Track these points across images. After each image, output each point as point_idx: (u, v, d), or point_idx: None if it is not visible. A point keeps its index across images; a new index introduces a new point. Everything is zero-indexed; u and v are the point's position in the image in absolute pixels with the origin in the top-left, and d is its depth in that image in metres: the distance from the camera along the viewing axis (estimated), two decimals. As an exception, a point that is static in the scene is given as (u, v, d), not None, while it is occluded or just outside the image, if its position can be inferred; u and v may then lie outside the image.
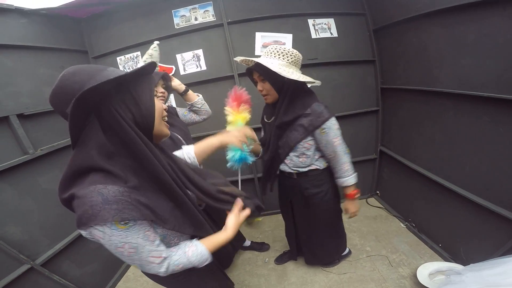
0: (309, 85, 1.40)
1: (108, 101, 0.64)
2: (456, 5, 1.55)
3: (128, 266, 2.36)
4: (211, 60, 2.46)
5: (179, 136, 1.55)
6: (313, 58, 2.44)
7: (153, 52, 1.66)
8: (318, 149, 1.44)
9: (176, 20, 2.38)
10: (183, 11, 2.36)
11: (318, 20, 2.40)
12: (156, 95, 1.34)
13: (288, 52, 1.26)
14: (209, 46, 2.43)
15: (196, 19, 2.36)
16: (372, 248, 2.16)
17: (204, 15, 2.35)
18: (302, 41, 2.40)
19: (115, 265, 2.27)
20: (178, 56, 2.45)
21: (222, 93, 2.45)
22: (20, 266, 1.55)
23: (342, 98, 2.57)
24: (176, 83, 1.70)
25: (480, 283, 1.17)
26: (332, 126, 1.32)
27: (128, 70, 0.69)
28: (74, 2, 1.97)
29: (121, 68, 2.49)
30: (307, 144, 1.40)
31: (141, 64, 1.50)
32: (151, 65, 0.74)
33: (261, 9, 2.36)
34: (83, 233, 0.70)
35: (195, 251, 0.82)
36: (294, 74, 1.23)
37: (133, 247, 0.71)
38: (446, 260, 1.88)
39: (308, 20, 2.39)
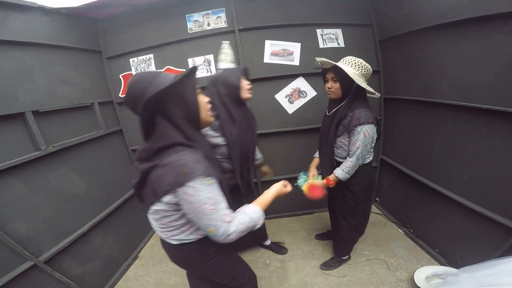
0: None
1: (164, 104, 0.88)
2: (460, 20, 1.64)
3: (129, 266, 2.37)
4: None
5: None
6: (319, 67, 2.51)
7: (228, 51, 1.79)
8: None
9: (189, 25, 2.43)
10: (196, 16, 2.42)
11: (326, 30, 2.47)
12: (244, 87, 1.58)
13: (364, 65, 1.52)
14: (220, 52, 2.48)
15: (208, 24, 2.42)
16: (371, 252, 2.23)
17: (217, 21, 2.42)
18: (309, 50, 2.47)
19: (115, 264, 2.28)
20: (190, 60, 2.50)
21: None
22: (23, 263, 1.54)
23: None
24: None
25: (475, 283, 1.23)
26: (361, 131, 1.53)
27: (180, 73, 0.93)
28: (93, 3, 2.01)
29: (133, 69, 2.54)
30: (344, 140, 1.65)
31: (225, 63, 1.74)
32: (193, 70, 0.95)
33: (271, 17, 2.42)
34: (169, 198, 0.88)
35: (251, 209, 1.00)
36: (364, 83, 1.50)
37: (214, 204, 0.87)
38: (442, 264, 1.96)
39: (317, 30, 2.47)
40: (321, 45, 2.49)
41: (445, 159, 1.94)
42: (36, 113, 1.76)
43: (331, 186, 1.67)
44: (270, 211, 2.82)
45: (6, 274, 1.45)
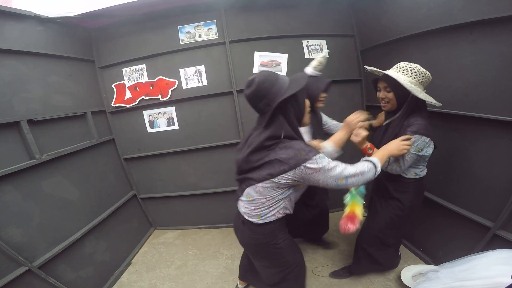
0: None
1: (285, 104, 1.11)
2: (430, 30, 1.78)
3: (122, 272, 2.37)
4: (212, 76, 2.59)
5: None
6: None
7: (323, 61, 1.83)
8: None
9: (181, 36, 2.52)
10: (188, 28, 2.51)
11: (311, 41, 2.60)
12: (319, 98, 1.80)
13: (421, 72, 1.41)
14: (211, 63, 2.57)
15: (200, 36, 2.52)
16: (360, 253, 2.30)
17: (208, 32, 2.51)
18: (296, 61, 2.58)
19: (108, 271, 2.28)
20: (181, 71, 2.57)
21: (221, 108, 2.63)
22: (17, 268, 1.56)
23: (332, 115, 2.71)
24: None
25: (453, 278, 1.32)
26: (415, 143, 1.41)
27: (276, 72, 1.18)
28: (88, 13, 2.07)
29: (125, 79, 2.60)
30: None
31: (314, 70, 1.84)
32: (306, 78, 1.16)
33: (260, 29, 2.53)
34: (287, 174, 1.12)
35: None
36: (422, 93, 1.39)
37: (326, 165, 1.11)
38: (427, 263, 2.03)
39: (303, 41, 2.60)
40: (306, 56, 2.61)
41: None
42: (31, 122, 1.80)
43: (371, 151, 1.50)
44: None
45: (0, 279, 1.47)
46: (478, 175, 1.65)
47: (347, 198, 1.61)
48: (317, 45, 2.62)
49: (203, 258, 2.50)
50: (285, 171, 1.11)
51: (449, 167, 1.85)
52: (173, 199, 2.93)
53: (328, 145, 1.48)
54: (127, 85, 2.61)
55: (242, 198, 1.32)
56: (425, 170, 1.64)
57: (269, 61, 2.58)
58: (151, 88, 2.60)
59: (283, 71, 2.59)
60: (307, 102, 1.24)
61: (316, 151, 1.13)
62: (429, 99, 1.42)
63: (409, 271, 1.91)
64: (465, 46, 1.60)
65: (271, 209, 1.27)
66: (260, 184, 1.19)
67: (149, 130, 2.73)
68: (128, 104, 2.63)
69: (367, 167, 1.18)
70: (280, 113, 1.13)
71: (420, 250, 2.16)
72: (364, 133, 1.47)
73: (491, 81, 1.49)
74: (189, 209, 2.98)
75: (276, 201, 1.25)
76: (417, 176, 1.61)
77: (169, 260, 2.53)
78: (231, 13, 2.50)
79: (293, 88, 1.10)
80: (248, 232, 1.37)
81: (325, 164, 1.11)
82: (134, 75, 2.59)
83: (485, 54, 1.49)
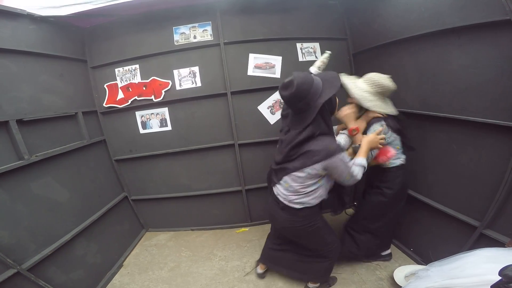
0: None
1: (324, 104, 1.30)
2: (420, 34, 1.82)
3: (114, 274, 2.34)
4: (206, 77, 2.59)
5: None
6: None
7: (326, 61, 2.00)
8: None
9: (176, 37, 2.52)
10: (183, 29, 2.51)
11: (305, 44, 2.64)
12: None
13: (380, 83, 1.69)
14: (205, 64, 2.57)
15: (195, 37, 2.52)
16: (352, 253, 2.33)
17: (203, 34, 2.51)
18: (290, 63, 2.61)
19: (100, 273, 2.24)
20: (175, 72, 2.56)
21: (215, 109, 2.63)
22: (6, 270, 1.52)
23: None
24: None
25: (442, 276, 1.34)
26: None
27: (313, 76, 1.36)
28: (82, 12, 2.04)
29: (118, 79, 2.58)
30: None
31: (318, 70, 1.99)
32: (339, 79, 1.38)
33: (255, 32, 2.55)
34: (317, 166, 1.35)
35: (358, 160, 1.51)
36: (370, 102, 1.68)
37: (347, 165, 1.39)
38: (418, 262, 2.07)
39: (297, 44, 2.63)
40: (300, 59, 2.64)
41: (411, 163, 2.07)
42: (20, 122, 1.76)
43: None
44: (256, 218, 2.91)
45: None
46: (464, 175, 1.71)
47: None
48: (311, 48, 2.66)
49: (197, 260, 2.48)
50: (317, 162, 1.32)
51: (437, 168, 1.91)
52: (165, 201, 2.91)
53: (342, 138, 1.72)
54: (120, 85, 2.58)
55: (281, 183, 1.55)
56: (401, 159, 1.87)
57: (263, 63, 2.59)
58: (144, 88, 2.57)
59: (277, 74, 2.62)
60: (337, 101, 1.49)
61: (341, 147, 1.37)
62: (376, 108, 1.70)
63: (402, 272, 1.94)
64: (453, 51, 1.65)
65: (310, 197, 1.49)
66: (295, 173, 1.42)
67: (142, 131, 2.70)
68: (120, 105, 2.60)
69: (359, 171, 1.48)
70: (318, 112, 1.29)
71: (410, 249, 2.21)
72: (348, 110, 1.72)
73: (477, 85, 1.54)
74: (181, 211, 2.95)
75: (312, 190, 1.47)
76: (394, 164, 1.84)
77: (162, 262, 2.50)
78: (227, 15, 2.50)
79: (332, 88, 1.31)
80: (288, 217, 1.57)
81: (347, 159, 1.38)
82: (127, 75, 2.56)
83: (472, 58, 1.54)
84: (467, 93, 1.61)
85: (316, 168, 1.35)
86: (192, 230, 2.99)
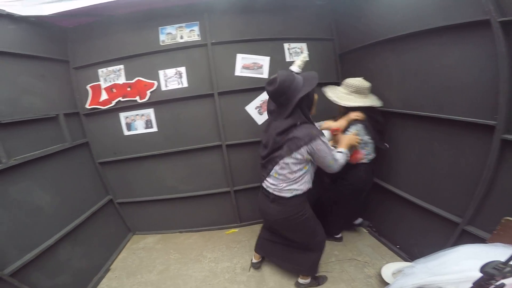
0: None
1: (302, 98, 1.46)
2: (403, 34, 1.85)
3: (101, 278, 2.29)
4: (192, 78, 2.56)
5: None
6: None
7: (305, 60, 2.12)
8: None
9: (162, 37, 2.48)
10: (169, 29, 2.47)
11: (292, 45, 2.64)
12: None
13: (353, 84, 2.01)
14: (192, 64, 2.54)
15: (181, 37, 2.48)
16: (340, 252, 2.36)
17: (190, 34, 2.48)
18: (277, 63, 2.61)
19: (86, 277, 2.19)
20: (161, 72, 2.52)
21: (202, 110, 2.60)
22: (-13, 276, 1.47)
23: (312, 117, 2.80)
24: None
25: (427, 272, 1.37)
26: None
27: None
28: (65, 12, 1.97)
29: (101, 80, 2.51)
30: None
31: (295, 68, 2.09)
32: (317, 78, 1.52)
33: (243, 32, 2.54)
34: (303, 150, 1.48)
35: (340, 150, 1.67)
36: (348, 100, 1.99)
37: (329, 148, 1.52)
38: (404, 259, 2.11)
39: (284, 44, 2.63)
40: (287, 59, 2.65)
41: (395, 161, 2.14)
42: (-3, 124, 1.69)
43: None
44: (246, 219, 2.90)
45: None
46: (446, 173, 1.75)
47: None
48: (298, 48, 2.67)
49: (186, 262, 2.45)
50: (301, 146, 1.45)
51: (420, 166, 1.96)
52: (152, 203, 2.85)
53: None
54: (103, 86, 2.51)
55: (271, 175, 1.63)
56: (366, 159, 2.09)
57: (251, 64, 2.58)
58: (128, 89, 2.52)
59: (264, 74, 2.61)
60: (316, 96, 1.62)
61: (322, 132, 1.50)
62: (351, 103, 1.97)
63: (389, 269, 1.97)
64: (434, 51, 1.69)
65: (298, 183, 1.59)
66: (282, 161, 1.52)
67: (126, 132, 2.64)
68: (103, 106, 2.53)
69: (344, 157, 1.64)
70: (297, 106, 1.46)
71: (397, 246, 2.25)
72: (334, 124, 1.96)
73: (458, 84, 1.58)
74: (169, 213, 2.91)
75: (300, 176, 1.57)
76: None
77: (150, 265, 2.46)
78: (215, 16, 2.48)
79: (309, 86, 1.46)
80: (278, 208, 1.65)
81: (328, 143, 1.51)
82: (111, 76, 2.50)
83: (453, 58, 1.58)
84: (448, 93, 1.65)
85: (302, 152, 1.47)
86: (180, 232, 2.95)
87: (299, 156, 1.49)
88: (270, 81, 1.51)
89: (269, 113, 1.77)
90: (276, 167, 1.59)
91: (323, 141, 1.48)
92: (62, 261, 2.00)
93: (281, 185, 1.61)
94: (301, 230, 1.77)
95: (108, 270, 2.41)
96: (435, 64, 1.70)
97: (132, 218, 2.95)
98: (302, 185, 1.62)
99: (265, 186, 1.72)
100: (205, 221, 2.92)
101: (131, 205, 2.87)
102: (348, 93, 2.02)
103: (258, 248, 2.20)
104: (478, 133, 1.51)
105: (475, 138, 1.55)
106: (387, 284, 1.85)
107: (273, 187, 1.65)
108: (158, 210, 2.89)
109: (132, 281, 2.28)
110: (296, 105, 1.46)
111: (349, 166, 1.95)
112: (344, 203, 2.27)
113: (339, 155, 1.62)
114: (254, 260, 2.25)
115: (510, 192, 1.42)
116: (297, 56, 2.65)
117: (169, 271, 2.37)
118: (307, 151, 1.48)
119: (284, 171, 1.57)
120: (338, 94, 2.02)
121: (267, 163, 1.63)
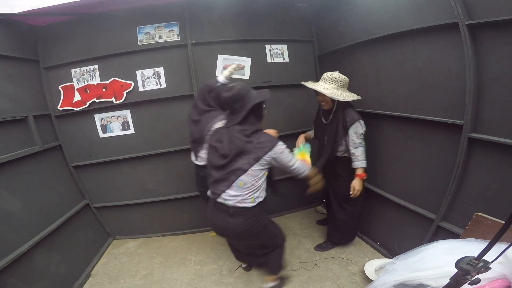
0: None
1: (256, 107, 1.54)
2: (379, 37, 1.90)
3: (82, 284, 2.21)
4: (171, 78, 2.51)
5: None
6: (268, 81, 2.67)
7: (233, 71, 2.04)
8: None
9: (139, 37, 2.41)
10: (148, 28, 2.41)
11: (274, 46, 2.65)
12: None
13: (339, 78, 1.92)
14: (170, 65, 2.48)
15: (160, 37, 2.42)
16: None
17: (169, 34, 2.43)
18: (259, 64, 2.61)
19: (66, 284, 2.10)
20: (138, 72, 2.45)
21: (181, 111, 2.52)
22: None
23: (290, 118, 2.80)
24: None
25: (407, 269, 1.40)
26: (355, 127, 1.94)
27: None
28: (35, 10, 1.87)
29: (74, 81, 2.41)
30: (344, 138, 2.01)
31: (225, 79, 1.97)
32: (269, 93, 1.61)
33: (224, 33, 2.51)
34: (267, 156, 1.50)
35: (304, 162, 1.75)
36: (342, 95, 1.88)
37: (290, 153, 1.61)
38: (385, 256, 2.16)
39: (266, 45, 2.63)
40: (268, 60, 2.65)
41: (373, 161, 2.17)
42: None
43: (364, 177, 2.00)
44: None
45: None
46: (419, 171, 1.82)
47: (296, 150, 1.98)
48: (279, 49, 2.68)
49: (170, 266, 2.40)
50: (267, 151, 1.49)
51: (395, 164, 2.03)
52: (132, 207, 2.77)
53: None
54: (76, 87, 2.41)
55: (233, 186, 1.54)
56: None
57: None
58: (103, 90, 2.43)
59: (246, 75, 2.60)
60: (265, 112, 1.66)
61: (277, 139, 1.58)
62: (348, 98, 1.88)
63: (372, 266, 2.01)
64: (407, 52, 1.75)
65: (260, 190, 1.59)
66: (251, 168, 1.50)
67: (102, 135, 2.55)
68: (77, 107, 2.43)
69: (305, 169, 1.70)
70: (251, 113, 1.53)
71: (377, 243, 2.30)
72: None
73: (428, 85, 1.64)
74: (150, 217, 2.84)
75: (262, 183, 1.59)
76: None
77: (133, 269, 2.39)
78: (195, 16, 2.44)
79: (262, 97, 1.56)
80: (239, 221, 1.58)
81: (287, 149, 1.58)
82: (85, 76, 2.40)
83: (424, 60, 1.64)
84: (419, 93, 1.71)
85: (267, 158, 1.51)
86: (163, 235, 2.88)
87: (264, 162, 1.52)
88: (229, 88, 1.58)
89: (192, 122, 1.88)
90: (243, 176, 1.50)
91: (282, 145, 1.55)
92: (39, 267, 1.91)
93: (245, 194, 1.54)
94: (263, 236, 1.76)
95: (89, 275, 2.33)
96: (407, 66, 1.76)
97: (112, 223, 2.85)
98: (262, 191, 1.62)
99: (221, 201, 1.58)
100: (188, 224, 2.87)
101: (110, 209, 2.77)
102: (337, 88, 1.91)
103: (236, 258, 2.22)
104: (448, 132, 1.57)
105: (445, 137, 1.61)
106: (371, 281, 1.89)
107: (234, 199, 1.54)
108: (138, 214, 2.81)
109: (115, 286, 2.21)
110: (248, 112, 1.52)
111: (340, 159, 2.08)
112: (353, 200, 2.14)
113: (303, 166, 1.69)
114: (243, 265, 2.25)
115: (479, 188, 1.49)
116: (278, 57, 2.69)
117: (153, 275, 2.31)
118: (272, 157, 1.52)
119: (251, 179, 1.52)
120: (330, 90, 1.88)
121: (230, 173, 1.53)
